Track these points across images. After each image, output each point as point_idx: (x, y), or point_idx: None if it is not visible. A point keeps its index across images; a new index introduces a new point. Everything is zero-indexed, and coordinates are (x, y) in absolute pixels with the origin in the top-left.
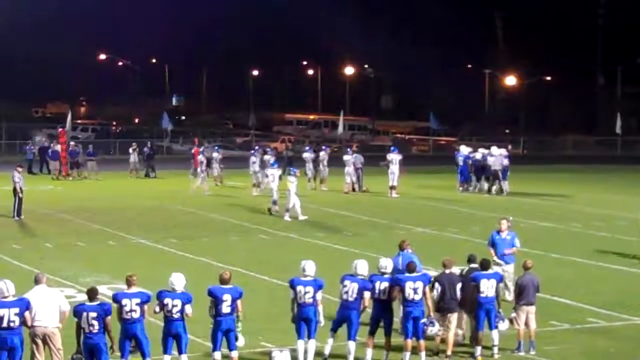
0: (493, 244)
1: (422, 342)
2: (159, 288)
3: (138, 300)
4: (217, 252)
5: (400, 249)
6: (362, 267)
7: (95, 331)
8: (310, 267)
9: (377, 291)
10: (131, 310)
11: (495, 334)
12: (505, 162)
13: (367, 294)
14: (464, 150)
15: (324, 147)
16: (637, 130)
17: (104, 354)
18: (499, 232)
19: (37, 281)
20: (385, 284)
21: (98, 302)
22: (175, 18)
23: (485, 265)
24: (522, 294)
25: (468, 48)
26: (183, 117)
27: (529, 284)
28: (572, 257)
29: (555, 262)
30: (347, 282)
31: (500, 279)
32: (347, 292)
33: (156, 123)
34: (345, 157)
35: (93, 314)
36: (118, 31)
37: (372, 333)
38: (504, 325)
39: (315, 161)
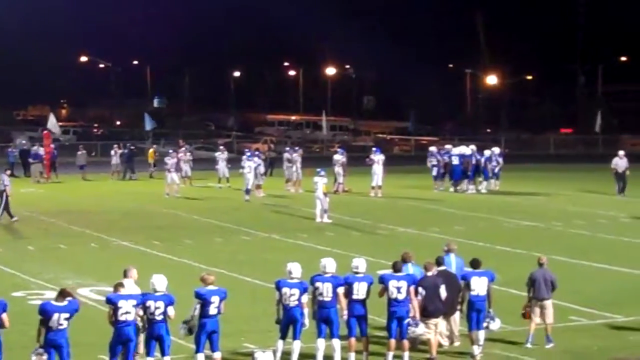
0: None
1: (405, 342)
2: (142, 290)
3: (134, 302)
4: (199, 254)
5: (447, 251)
6: (331, 266)
7: (62, 329)
8: (296, 270)
9: (354, 291)
10: (126, 313)
11: (481, 334)
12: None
13: (340, 290)
14: (464, 149)
15: (296, 148)
16: (617, 128)
17: (65, 348)
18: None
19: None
20: (363, 284)
21: (67, 302)
22: (157, 20)
23: (475, 263)
24: (534, 288)
25: (450, 48)
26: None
27: (539, 278)
28: (554, 255)
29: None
30: (319, 284)
31: (492, 278)
32: (321, 293)
33: (138, 125)
34: (336, 157)
35: (65, 315)
36: (99, 33)
37: (352, 335)
38: (495, 325)
39: (291, 162)
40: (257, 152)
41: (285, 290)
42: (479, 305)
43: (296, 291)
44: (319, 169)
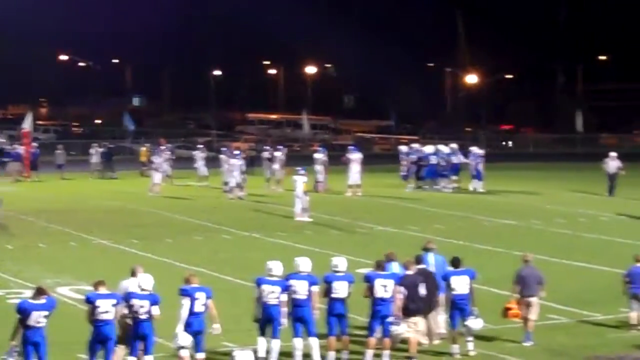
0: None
1: (387, 340)
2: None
3: (113, 302)
4: (179, 253)
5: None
6: (305, 265)
7: (40, 327)
8: (277, 268)
9: (334, 290)
10: (105, 312)
11: (469, 329)
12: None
13: (315, 289)
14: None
15: (279, 147)
16: (597, 127)
17: (43, 346)
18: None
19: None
20: (343, 283)
21: (45, 300)
22: (136, 18)
23: (456, 262)
24: (522, 285)
25: (430, 47)
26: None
27: (530, 275)
28: (533, 254)
29: (516, 260)
30: (293, 282)
31: (472, 276)
32: (296, 292)
33: (118, 123)
34: (316, 156)
35: (44, 313)
36: (79, 31)
37: (332, 334)
38: (477, 324)
39: (271, 160)
40: (238, 151)
41: (265, 287)
42: (461, 304)
43: (277, 289)
44: (299, 168)
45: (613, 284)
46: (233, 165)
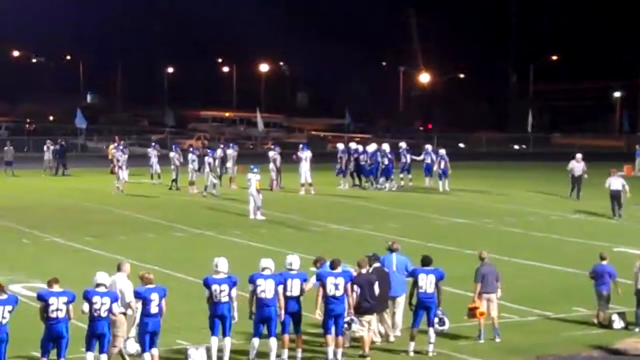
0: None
1: (340, 338)
2: (75, 286)
3: (65, 299)
4: (132, 250)
5: (390, 250)
6: (271, 264)
7: (4, 323)
8: (222, 264)
9: (288, 288)
10: (57, 309)
11: (431, 331)
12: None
13: (280, 288)
14: (382, 146)
15: (231, 145)
16: (548, 127)
17: (6, 342)
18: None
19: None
20: (297, 281)
21: (7, 296)
22: (90, 14)
23: (426, 260)
24: (483, 282)
25: (383, 46)
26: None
27: (489, 272)
28: (478, 253)
29: (469, 258)
30: (260, 281)
31: (440, 276)
32: (264, 291)
33: (71, 121)
34: (270, 154)
35: (9, 307)
36: (32, 28)
37: (286, 332)
38: (447, 325)
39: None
40: (191, 149)
41: (215, 287)
42: (427, 302)
43: (225, 287)
44: (252, 166)
45: (563, 282)
46: (191, 160)
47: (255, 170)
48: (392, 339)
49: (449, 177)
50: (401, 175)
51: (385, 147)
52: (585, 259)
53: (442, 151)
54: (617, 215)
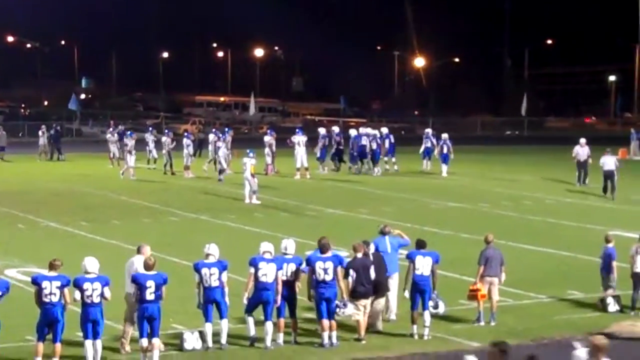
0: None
1: (333, 322)
2: (70, 271)
3: (58, 284)
4: (127, 235)
5: (382, 233)
6: (270, 247)
7: None
8: (213, 249)
9: (283, 272)
10: (51, 294)
11: (427, 314)
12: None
13: (280, 273)
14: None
15: (226, 129)
16: (543, 111)
17: None
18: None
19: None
20: (292, 265)
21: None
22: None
23: (421, 244)
24: (486, 265)
25: (378, 30)
26: (86, 96)
27: (493, 256)
28: (481, 236)
29: (464, 242)
30: (263, 264)
31: (436, 259)
32: (265, 274)
33: (65, 105)
34: (266, 139)
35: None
36: (26, 13)
37: (281, 316)
38: (442, 307)
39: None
40: (186, 133)
41: (205, 270)
42: (423, 285)
43: (215, 270)
44: (248, 150)
45: (558, 266)
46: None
47: (251, 154)
48: (393, 317)
49: (449, 162)
50: (385, 159)
51: (374, 132)
52: (581, 242)
53: (445, 135)
54: (611, 197)
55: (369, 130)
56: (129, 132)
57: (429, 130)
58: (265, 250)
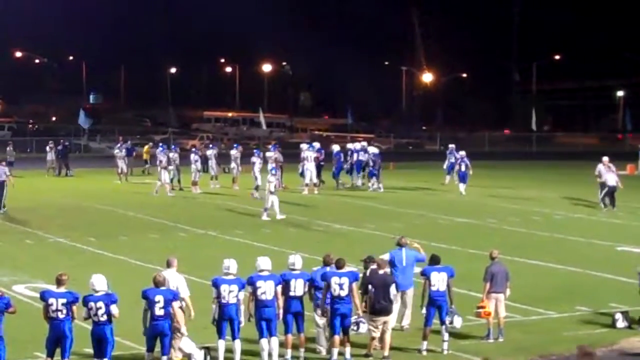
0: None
1: (346, 338)
2: (79, 287)
3: (64, 301)
4: (136, 251)
5: (399, 245)
6: (267, 264)
7: None
8: (233, 266)
9: (291, 288)
10: (57, 310)
11: (444, 330)
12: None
13: (279, 288)
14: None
15: (235, 145)
16: (551, 126)
17: (2, 341)
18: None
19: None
20: (300, 281)
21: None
22: (93, 15)
23: (436, 259)
24: (492, 281)
25: (386, 45)
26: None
27: (499, 272)
28: (489, 252)
29: (472, 257)
30: (260, 282)
31: (451, 274)
32: (264, 292)
33: (73, 121)
34: (268, 154)
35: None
36: (34, 28)
37: (289, 332)
38: (458, 322)
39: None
40: (193, 149)
41: (224, 287)
42: (440, 301)
43: (235, 287)
44: (271, 167)
45: (566, 281)
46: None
47: (274, 171)
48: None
49: (468, 179)
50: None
51: (371, 148)
52: (589, 258)
53: (462, 153)
54: (612, 207)
55: (363, 144)
56: (171, 147)
57: (452, 146)
58: (262, 268)
